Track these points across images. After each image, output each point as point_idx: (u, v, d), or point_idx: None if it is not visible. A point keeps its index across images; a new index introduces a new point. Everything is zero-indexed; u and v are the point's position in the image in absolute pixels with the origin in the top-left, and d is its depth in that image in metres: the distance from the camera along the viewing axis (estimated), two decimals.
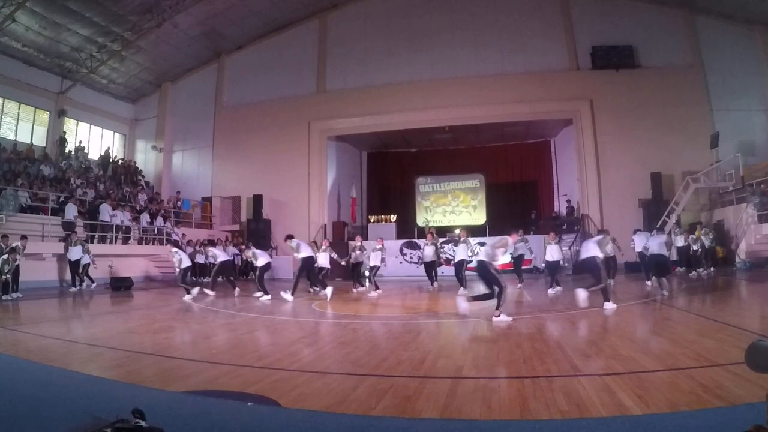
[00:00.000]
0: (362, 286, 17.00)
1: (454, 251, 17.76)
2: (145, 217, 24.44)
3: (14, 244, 15.59)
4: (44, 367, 5.81)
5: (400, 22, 28.91)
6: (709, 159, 23.77)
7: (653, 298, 12.06)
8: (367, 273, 17.77)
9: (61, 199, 21.46)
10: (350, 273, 17.90)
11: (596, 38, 26.57)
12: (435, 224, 29.70)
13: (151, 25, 26.09)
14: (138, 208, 25.06)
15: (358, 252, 17.07)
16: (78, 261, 18.40)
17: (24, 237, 16.37)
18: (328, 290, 14.39)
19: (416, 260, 24.15)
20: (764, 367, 1.17)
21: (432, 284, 17.16)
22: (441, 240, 21.04)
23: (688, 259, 20.29)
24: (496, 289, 9.46)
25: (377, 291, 15.73)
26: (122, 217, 22.58)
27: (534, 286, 16.89)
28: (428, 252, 17.56)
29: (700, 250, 20.03)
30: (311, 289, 16.09)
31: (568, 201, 28.19)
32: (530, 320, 9.26)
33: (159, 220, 24.89)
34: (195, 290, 15.42)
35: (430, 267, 17.56)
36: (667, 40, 26.27)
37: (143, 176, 30.84)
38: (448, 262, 21.17)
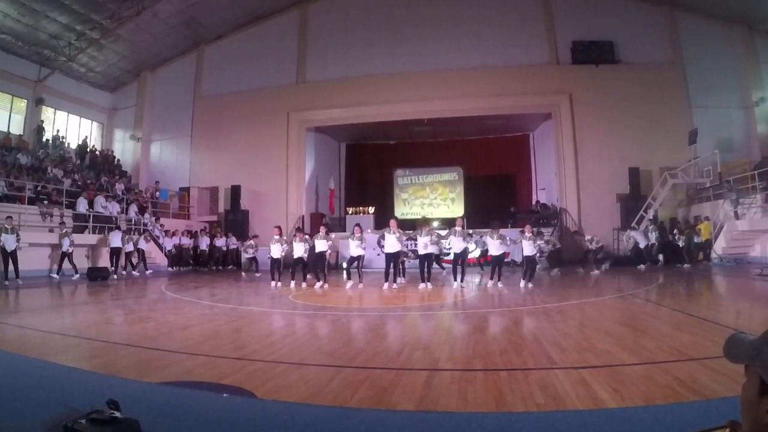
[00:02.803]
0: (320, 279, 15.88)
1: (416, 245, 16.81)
2: (133, 208, 24.60)
3: None
4: (18, 357, 5.73)
5: (380, 13, 28.84)
6: (687, 155, 23.92)
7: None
8: (344, 265, 17.23)
9: (38, 189, 21.31)
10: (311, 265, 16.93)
11: (576, 33, 26.65)
12: (412, 216, 29.79)
13: (130, 14, 25.76)
14: (116, 197, 24.93)
15: (317, 241, 15.74)
16: (14, 251, 16.44)
17: None
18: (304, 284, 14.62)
19: None
20: (740, 358, 1.17)
21: (386, 279, 14.73)
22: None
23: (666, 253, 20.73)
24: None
25: (350, 282, 15.05)
26: (111, 209, 23.06)
27: (510, 280, 16.80)
28: (390, 241, 14.98)
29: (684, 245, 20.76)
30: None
31: (537, 202, 28.56)
32: (507, 313, 9.29)
33: (136, 210, 24.76)
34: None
35: (391, 259, 15.11)
36: (647, 37, 26.37)
37: (120, 165, 30.65)
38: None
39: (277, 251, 16.24)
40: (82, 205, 21.73)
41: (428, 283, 14.48)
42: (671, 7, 26.29)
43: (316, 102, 28.50)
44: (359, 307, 11.00)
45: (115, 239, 20.45)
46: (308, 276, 16.43)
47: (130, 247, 21.27)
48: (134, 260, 21.67)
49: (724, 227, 20.86)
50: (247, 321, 9.02)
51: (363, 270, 15.71)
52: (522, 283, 14.38)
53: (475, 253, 20.41)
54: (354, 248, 15.36)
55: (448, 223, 22.83)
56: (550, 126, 27.53)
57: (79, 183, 24.25)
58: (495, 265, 15.22)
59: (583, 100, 26.20)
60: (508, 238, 15.52)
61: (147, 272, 21.60)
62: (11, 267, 16.24)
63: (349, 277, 15.28)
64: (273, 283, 15.73)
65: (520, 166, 32.23)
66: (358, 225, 15.98)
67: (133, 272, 21.11)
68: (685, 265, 20.05)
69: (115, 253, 20.47)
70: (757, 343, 1.13)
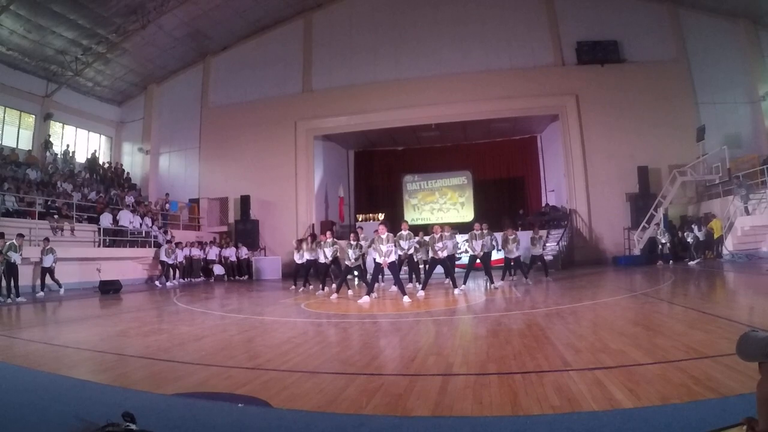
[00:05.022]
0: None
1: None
2: (147, 221, 24.90)
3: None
4: (33, 371, 5.73)
5: (384, 20, 28.97)
6: (695, 152, 23.87)
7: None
8: (355, 273, 16.86)
9: (48, 203, 21.52)
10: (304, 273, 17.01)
11: (581, 33, 26.68)
12: (422, 222, 29.75)
13: (135, 27, 25.98)
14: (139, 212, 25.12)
15: (325, 249, 15.55)
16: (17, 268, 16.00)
17: None
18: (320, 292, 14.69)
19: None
20: (754, 356, 1.17)
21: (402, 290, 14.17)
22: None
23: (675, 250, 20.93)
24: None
25: (350, 291, 14.69)
26: (135, 223, 23.81)
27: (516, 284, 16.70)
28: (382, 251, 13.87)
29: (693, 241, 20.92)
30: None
31: (547, 204, 28.76)
32: (519, 316, 9.26)
33: (147, 222, 24.90)
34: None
35: (414, 264, 15.61)
36: (651, 35, 26.39)
37: (130, 178, 30.78)
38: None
39: (329, 255, 15.73)
40: (106, 220, 22.29)
41: (459, 288, 14.07)
42: (674, 4, 26.29)
43: (323, 110, 28.64)
44: (371, 314, 10.94)
45: (162, 253, 22.43)
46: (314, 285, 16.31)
47: (48, 261, 17.84)
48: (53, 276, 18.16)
49: (735, 223, 20.78)
50: (259, 331, 8.98)
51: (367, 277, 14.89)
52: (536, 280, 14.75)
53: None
54: (352, 257, 14.29)
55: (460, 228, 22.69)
56: (557, 127, 27.52)
57: (105, 198, 24.74)
58: (507, 266, 15.37)
59: (589, 100, 26.20)
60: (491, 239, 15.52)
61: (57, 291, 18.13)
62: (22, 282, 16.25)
63: (361, 282, 15.16)
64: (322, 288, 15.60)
65: (528, 168, 32.29)
66: (360, 228, 15.75)
67: (59, 290, 17.99)
68: (696, 262, 20.11)
69: (164, 266, 22.52)
70: None
